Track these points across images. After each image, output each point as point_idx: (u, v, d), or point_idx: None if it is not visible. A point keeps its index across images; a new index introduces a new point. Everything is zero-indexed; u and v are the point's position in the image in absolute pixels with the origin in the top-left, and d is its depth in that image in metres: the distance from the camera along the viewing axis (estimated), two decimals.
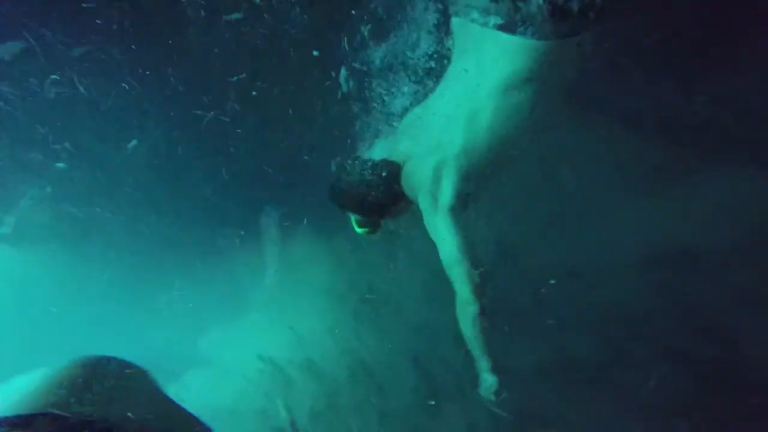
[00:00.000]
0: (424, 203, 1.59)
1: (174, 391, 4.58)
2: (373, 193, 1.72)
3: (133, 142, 3.76)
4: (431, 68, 1.87)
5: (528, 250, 3.50)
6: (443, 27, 1.67)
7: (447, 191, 1.51)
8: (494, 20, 1.26)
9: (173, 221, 4.91)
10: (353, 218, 1.91)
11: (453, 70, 1.59)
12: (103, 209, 4.62)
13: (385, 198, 1.75)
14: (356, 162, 1.77)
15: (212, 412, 4.44)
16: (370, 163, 1.74)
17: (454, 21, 1.49)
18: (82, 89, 3.12)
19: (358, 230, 1.96)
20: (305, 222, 4.64)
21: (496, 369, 1.61)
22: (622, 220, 2.66)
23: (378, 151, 1.83)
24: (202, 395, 4.70)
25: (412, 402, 3.64)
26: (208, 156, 4.09)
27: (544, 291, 3.25)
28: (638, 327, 2.80)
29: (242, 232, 5.02)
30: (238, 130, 3.67)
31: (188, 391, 4.78)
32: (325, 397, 3.94)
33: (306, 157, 4.07)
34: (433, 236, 1.61)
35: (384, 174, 1.71)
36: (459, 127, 1.48)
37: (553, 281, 3.12)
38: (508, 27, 1.25)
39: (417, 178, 1.61)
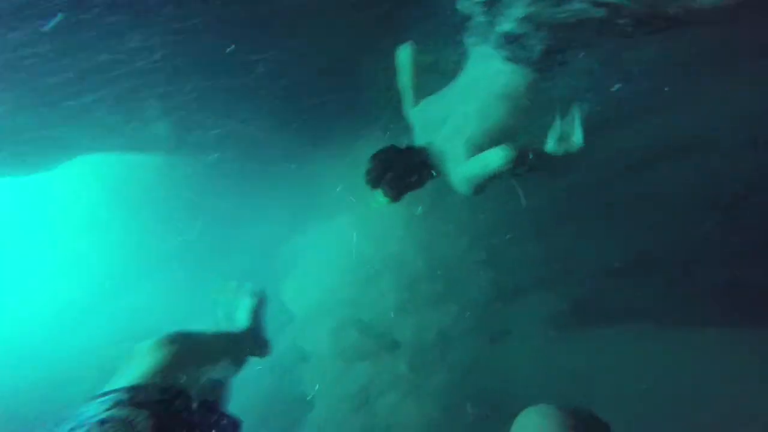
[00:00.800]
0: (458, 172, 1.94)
1: (291, 284, 5.26)
2: (410, 176, 2.04)
3: None
4: None
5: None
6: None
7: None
8: (502, 53, 1.72)
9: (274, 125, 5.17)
10: (380, 193, 2.12)
11: (468, 72, 1.98)
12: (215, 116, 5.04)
13: (418, 180, 2.08)
14: (393, 149, 2.07)
15: (318, 301, 5.10)
16: (406, 151, 2.06)
17: (469, 40, 1.93)
18: None
19: (381, 201, 2.18)
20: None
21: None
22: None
23: (413, 122, 2.24)
24: (309, 287, 5.36)
25: (488, 295, 3.63)
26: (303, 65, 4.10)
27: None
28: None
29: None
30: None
31: (300, 285, 5.49)
32: (406, 291, 4.15)
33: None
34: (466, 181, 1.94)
35: (419, 159, 2.03)
36: (473, 118, 1.86)
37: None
38: (512, 60, 1.72)
39: (448, 155, 1.96)
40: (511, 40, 1.67)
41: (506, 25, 1.65)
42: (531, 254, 3.47)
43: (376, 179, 2.08)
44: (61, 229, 9.66)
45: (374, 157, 2.11)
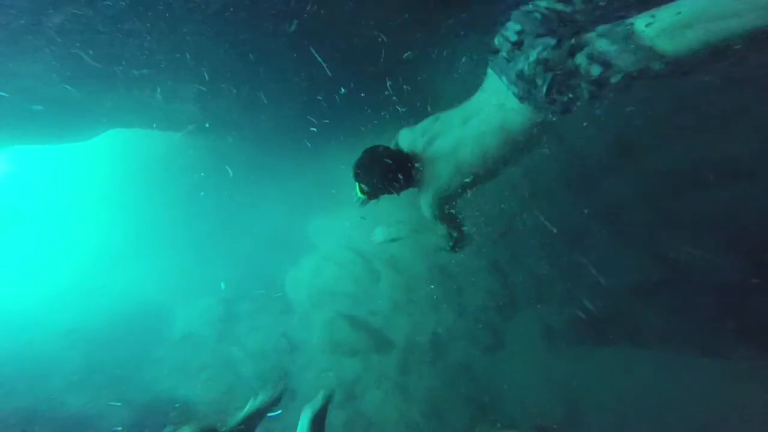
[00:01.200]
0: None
1: (292, 274, 5.26)
2: (392, 179, 2.16)
3: None
4: None
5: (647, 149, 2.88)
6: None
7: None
8: (513, 89, 1.87)
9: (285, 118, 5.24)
10: (361, 188, 2.27)
11: (477, 100, 2.11)
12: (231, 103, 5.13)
13: (400, 182, 2.19)
14: (383, 149, 2.20)
15: (315, 293, 5.09)
16: (395, 153, 2.19)
17: (489, 71, 2.03)
18: None
19: (360, 196, 2.34)
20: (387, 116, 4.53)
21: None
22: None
23: (402, 140, 2.34)
24: (309, 278, 5.35)
25: (488, 304, 3.57)
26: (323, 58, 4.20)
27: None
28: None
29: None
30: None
31: (300, 275, 5.49)
32: (405, 292, 4.12)
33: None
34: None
35: (404, 164, 2.16)
36: (469, 143, 2.05)
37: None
38: (519, 97, 1.86)
39: (437, 174, 2.13)
40: (522, 78, 1.81)
41: (521, 64, 1.81)
42: (535, 267, 3.41)
43: (360, 174, 2.23)
44: (81, 198, 9.88)
45: (366, 152, 2.24)
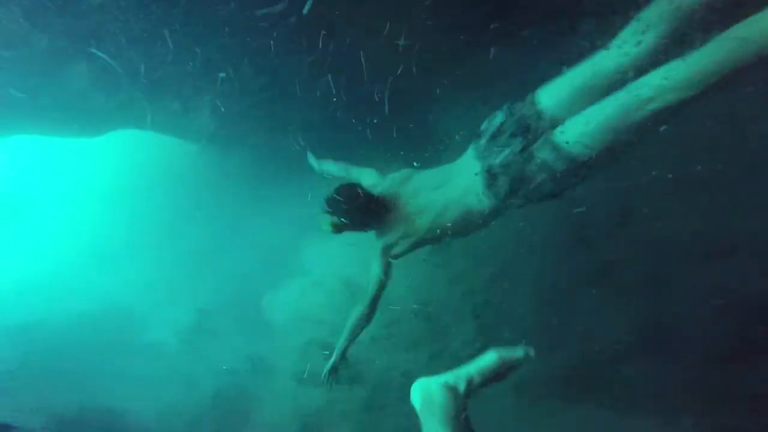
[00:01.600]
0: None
1: (277, 295, 5.14)
2: (365, 214, 2.35)
3: None
4: None
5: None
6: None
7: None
8: (483, 177, 2.08)
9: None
10: (330, 220, 2.41)
11: (452, 170, 2.32)
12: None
13: (370, 221, 2.41)
14: (359, 188, 2.36)
15: (299, 317, 4.97)
16: (369, 193, 2.37)
17: (469, 150, 2.24)
18: None
19: (326, 228, 2.44)
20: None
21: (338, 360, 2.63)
22: None
23: (371, 181, 2.54)
24: (295, 302, 5.24)
25: (464, 351, 3.48)
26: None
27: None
28: None
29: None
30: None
31: (287, 298, 5.37)
32: (384, 327, 4.02)
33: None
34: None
35: (376, 205, 2.35)
36: (430, 214, 2.27)
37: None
38: (486, 187, 2.08)
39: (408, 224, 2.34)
40: (490, 172, 2.04)
41: (492, 159, 2.04)
42: (523, 318, 3.37)
43: (329, 207, 2.36)
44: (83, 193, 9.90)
45: (342, 188, 2.38)
